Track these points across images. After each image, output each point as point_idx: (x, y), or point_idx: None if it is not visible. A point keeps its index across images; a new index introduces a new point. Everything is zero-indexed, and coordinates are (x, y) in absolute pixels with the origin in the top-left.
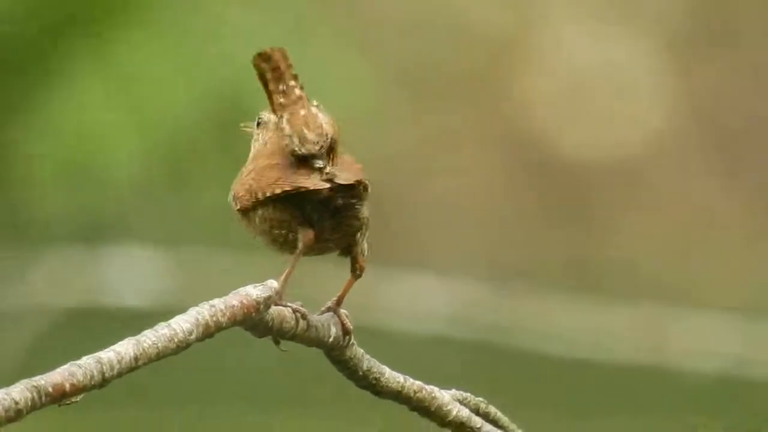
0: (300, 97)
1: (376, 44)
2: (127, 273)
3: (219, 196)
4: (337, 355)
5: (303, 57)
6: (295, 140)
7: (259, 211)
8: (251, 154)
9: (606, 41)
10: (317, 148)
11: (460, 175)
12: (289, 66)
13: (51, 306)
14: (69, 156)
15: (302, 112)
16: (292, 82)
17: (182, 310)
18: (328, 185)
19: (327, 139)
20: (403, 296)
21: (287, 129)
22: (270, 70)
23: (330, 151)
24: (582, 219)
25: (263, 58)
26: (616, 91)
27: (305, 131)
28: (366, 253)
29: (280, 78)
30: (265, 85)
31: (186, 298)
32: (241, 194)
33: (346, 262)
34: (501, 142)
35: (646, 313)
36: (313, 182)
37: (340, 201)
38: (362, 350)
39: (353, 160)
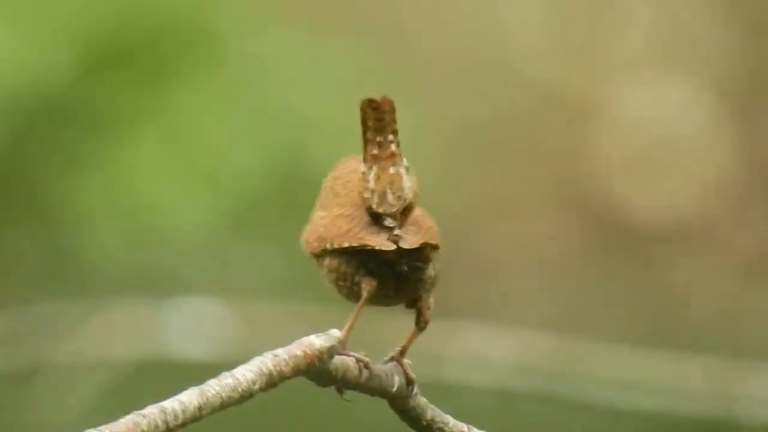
0: (393, 154)
1: (442, 103)
2: (191, 325)
3: (281, 249)
4: (400, 404)
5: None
6: (375, 198)
7: (326, 261)
8: (321, 199)
9: (668, 97)
10: (393, 210)
11: (526, 229)
12: (393, 120)
13: (114, 359)
14: (130, 209)
15: (391, 170)
16: (391, 137)
17: (246, 361)
18: (393, 247)
19: (405, 203)
20: (468, 347)
21: (371, 185)
22: (374, 119)
23: (404, 213)
24: (650, 273)
25: (371, 105)
26: (680, 147)
27: (387, 192)
28: (431, 307)
29: (381, 129)
30: (365, 132)
31: (250, 349)
32: (311, 240)
33: (411, 313)
34: (567, 199)
35: (715, 365)
36: (379, 242)
37: (405, 267)
38: (425, 400)
39: (427, 218)
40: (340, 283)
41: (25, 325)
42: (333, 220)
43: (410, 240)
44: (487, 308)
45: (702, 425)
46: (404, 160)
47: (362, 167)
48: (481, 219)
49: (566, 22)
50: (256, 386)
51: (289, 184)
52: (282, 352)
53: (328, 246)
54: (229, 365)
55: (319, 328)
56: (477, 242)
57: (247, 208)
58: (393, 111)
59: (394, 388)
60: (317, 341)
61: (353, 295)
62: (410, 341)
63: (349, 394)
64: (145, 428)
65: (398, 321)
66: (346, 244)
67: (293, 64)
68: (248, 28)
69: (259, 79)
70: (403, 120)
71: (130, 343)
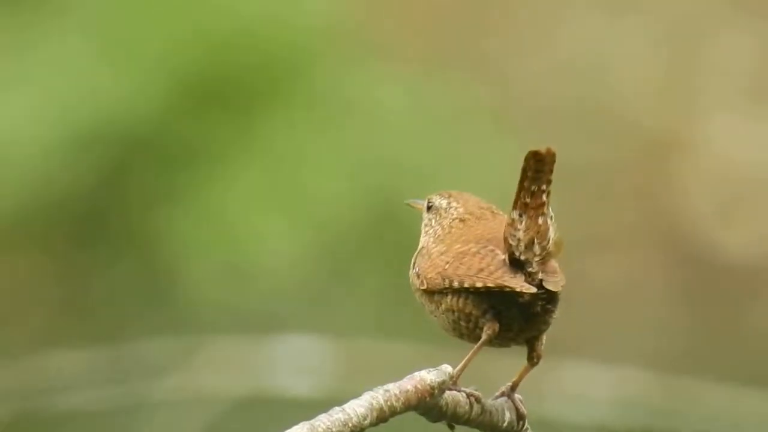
0: (542, 204)
1: (537, 137)
2: (294, 362)
3: (378, 285)
4: None
5: (458, 141)
6: (522, 246)
7: (448, 298)
8: (429, 237)
9: (760, 137)
10: (536, 260)
11: (622, 267)
12: (551, 170)
13: (218, 394)
14: (225, 245)
15: (539, 220)
16: (544, 186)
17: (348, 397)
18: (534, 289)
19: (547, 252)
20: (568, 385)
21: (521, 233)
22: (534, 170)
23: (543, 260)
24: (741, 310)
25: (535, 156)
26: None
27: (534, 242)
28: (544, 342)
29: (537, 179)
30: (522, 179)
31: (351, 386)
32: (430, 276)
33: (522, 348)
34: (663, 239)
35: None
36: (519, 283)
37: (538, 308)
38: None
39: (552, 260)
40: (461, 323)
41: (129, 362)
42: (459, 258)
43: (554, 282)
44: (583, 344)
45: None
46: (550, 209)
47: (513, 213)
48: (578, 256)
49: (669, 68)
50: (367, 421)
51: (382, 223)
52: (393, 387)
53: (455, 284)
54: (332, 401)
55: (420, 364)
56: (574, 279)
57: (342, 245)
58: (553, 162)
59: (505, 424)
60: (428, 376)
61: (471, 335)
62: (522, 376)
63: (459, 429)
64: None
65: (507, 356)
66: (479, 284)
67: (390, 103)
68: (344, 66)
69: (353, 116)
70: (501, 150)
71: (234, 378)
